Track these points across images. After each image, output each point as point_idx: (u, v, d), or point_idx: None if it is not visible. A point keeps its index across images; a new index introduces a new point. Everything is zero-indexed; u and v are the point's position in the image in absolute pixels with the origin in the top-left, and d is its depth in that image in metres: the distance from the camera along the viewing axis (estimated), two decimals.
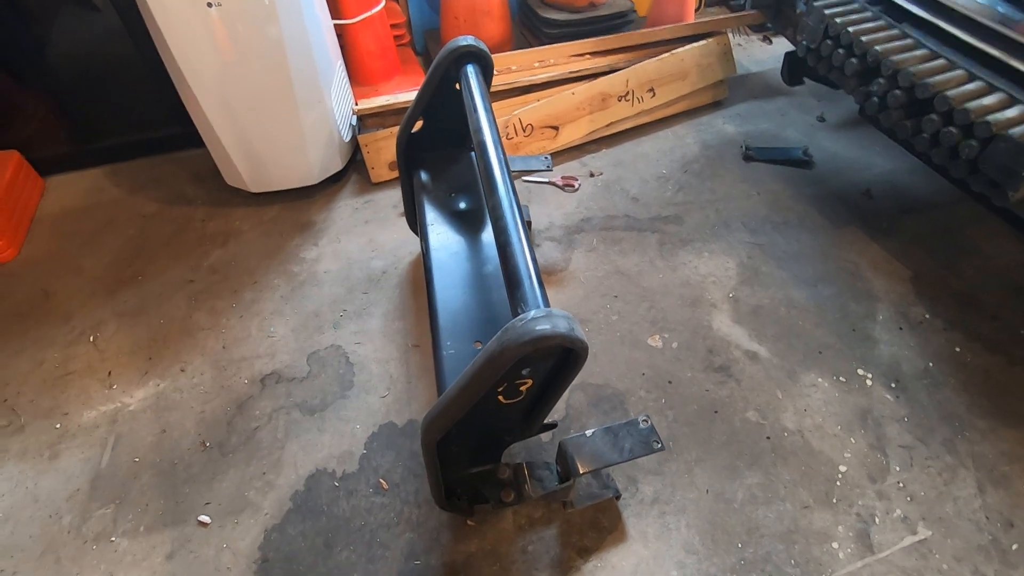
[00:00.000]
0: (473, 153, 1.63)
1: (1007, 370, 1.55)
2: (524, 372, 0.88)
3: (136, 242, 1.93)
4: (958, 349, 1.60)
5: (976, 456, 1.39)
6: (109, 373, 1.57)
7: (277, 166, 1.95)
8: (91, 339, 1.65)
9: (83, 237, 1.96)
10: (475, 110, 1.21)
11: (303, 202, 2.05)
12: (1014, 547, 1.25)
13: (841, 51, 1.36)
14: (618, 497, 1.29)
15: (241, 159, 1.90)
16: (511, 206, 0.99)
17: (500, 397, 0.93)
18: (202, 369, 1.57)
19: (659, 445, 1.12)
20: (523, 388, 0.93)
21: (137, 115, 2.17)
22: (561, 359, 0.89)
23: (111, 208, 2.06)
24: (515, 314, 0.86)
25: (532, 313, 0.80)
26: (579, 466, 1.09)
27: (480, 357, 0.83)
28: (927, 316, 1.68)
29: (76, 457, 1.41)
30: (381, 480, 1.35)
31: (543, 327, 0.78)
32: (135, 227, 1.98)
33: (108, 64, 2.05)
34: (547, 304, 0.85)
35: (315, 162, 1.98)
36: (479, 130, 1.15)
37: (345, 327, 1.67)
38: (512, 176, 1.08)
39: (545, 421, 1.09)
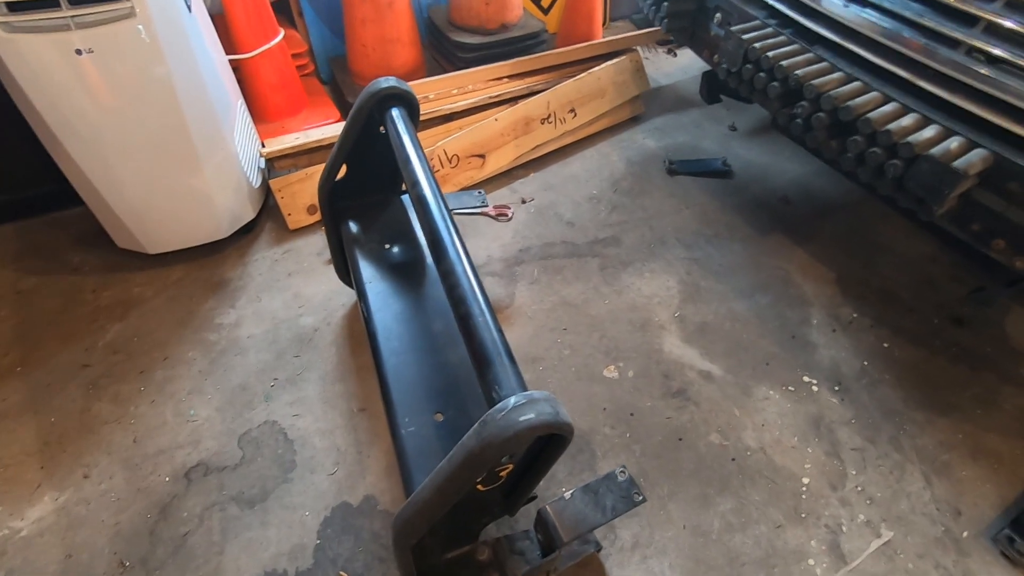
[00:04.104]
0: (403, 197, 1.53)
1: (930, 360, 1.66)
2: (504, 460, 0.80)
3: (12, 325, 1.64)
4: (886, 345, 1.70)
5: (919, 449, 1.47)
6: None
7: (178, 222, 1.73)
8: None
9: None
10: (408, 161, 1.11)
11: (213, 258, 1.84)
12: (964, 535, 1.32)
13: (762, 75, 1.38)
14: (599, 550, 1.24)
15: (133, 219, 1.66)
16: (466, 272, 0.91)
17: (478, 486, 0.85)
18: (111, 471, 1.35)
19: (640, 498, 1.08)
20: (503, 474, 0.85)
21: None
22: (544, 441, 0.82)
23: None
24: (488, 397, 0.78)
25: (512, 401, 0.72)
26: (562, 535, 1.02)
27: (457, 455, 0.74)
28: (855, 316, 1.77)
29: None
30: (342, 572, 1.21)
31: (527, 417, 0.71)
32: (8, 307, 1.69)
33: None
34: (523, 385, 0.78)
35: (223, 213, 1.79)
36: (417, 184, 1.05)
37: (278, 398, 1.50)
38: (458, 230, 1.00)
39: None
